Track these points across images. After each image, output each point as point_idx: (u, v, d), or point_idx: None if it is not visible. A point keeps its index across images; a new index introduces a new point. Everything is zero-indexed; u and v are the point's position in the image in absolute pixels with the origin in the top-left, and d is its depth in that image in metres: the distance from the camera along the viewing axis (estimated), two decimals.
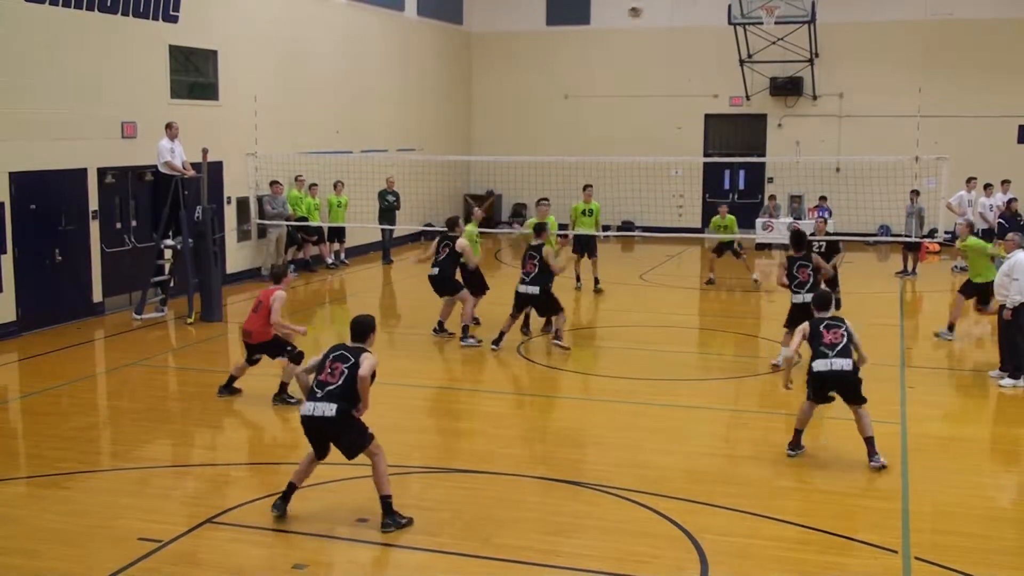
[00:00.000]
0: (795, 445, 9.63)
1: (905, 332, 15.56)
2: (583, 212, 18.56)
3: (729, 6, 25.73)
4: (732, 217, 19.43)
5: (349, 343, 8.03)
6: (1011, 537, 7.89)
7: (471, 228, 15.74)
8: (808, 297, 11.87)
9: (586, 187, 18.91)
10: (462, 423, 10.81)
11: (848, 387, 9.37)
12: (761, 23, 25.42)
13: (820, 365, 9.37)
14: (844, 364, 9.30)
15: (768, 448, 9.88)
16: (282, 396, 11.24)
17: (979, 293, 14.24)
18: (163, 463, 9.55)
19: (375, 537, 7.62)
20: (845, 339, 9.42)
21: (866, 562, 7.28)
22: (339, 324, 17.32)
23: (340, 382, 7.73)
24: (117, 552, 7.24)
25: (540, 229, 14.02)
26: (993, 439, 10.57)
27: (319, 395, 7.75)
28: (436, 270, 14.26)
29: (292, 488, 7.96)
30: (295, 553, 7.29)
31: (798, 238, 13.09)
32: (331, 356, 7.91)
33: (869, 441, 9.30)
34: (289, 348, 11.19)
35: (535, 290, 13.49)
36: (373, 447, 7.85)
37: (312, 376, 7.99)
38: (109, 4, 16.01)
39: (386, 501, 7.76)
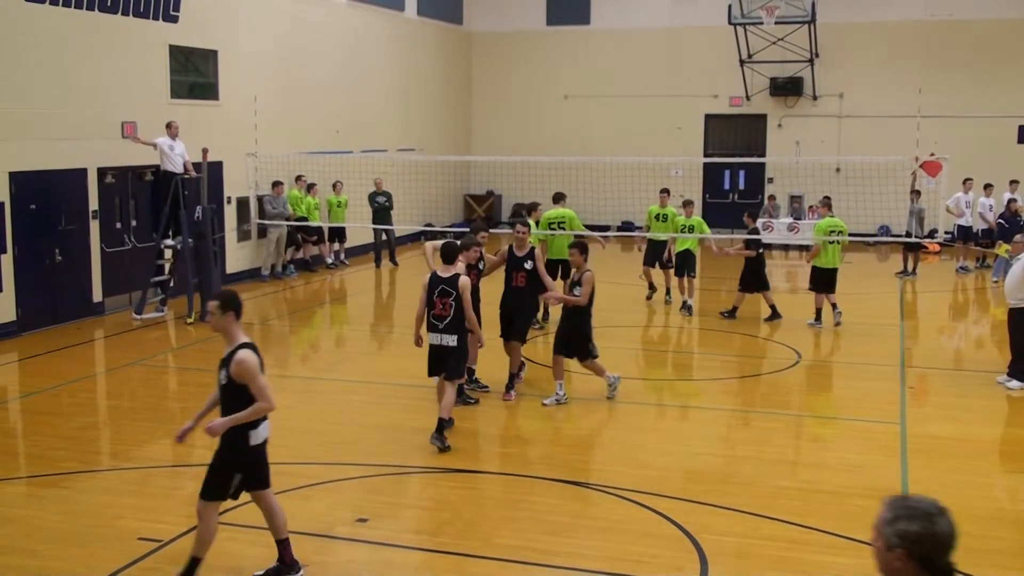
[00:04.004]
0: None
1: (905, 332, 15.56)
2: (657, 216, 17.24)
3: (729, 6, 25.75)
4: (698, 218, 17.11)
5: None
6: (1011, 537, 7.89)
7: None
8: None
9: (663, 191, 17.55)
10: (462, 423, 10.79)
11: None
12: (761, 23, 25.44)
13: None
14: None
15: (768, 448, 9.88)
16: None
17: None
18: (163, 463, 9.55)
19: (375, 537, 7.63)
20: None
21: (866, 562, 7.18)
22: (339, 324, 17.34)
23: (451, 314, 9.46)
24: (117, 552, 7.24)
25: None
26: (993, 439, 10.55)
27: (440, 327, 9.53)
28: None
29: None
30: (295, 553, 7.28)
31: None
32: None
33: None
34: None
35: None
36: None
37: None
38: (109, 4, 16.01)
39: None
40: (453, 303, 9.50)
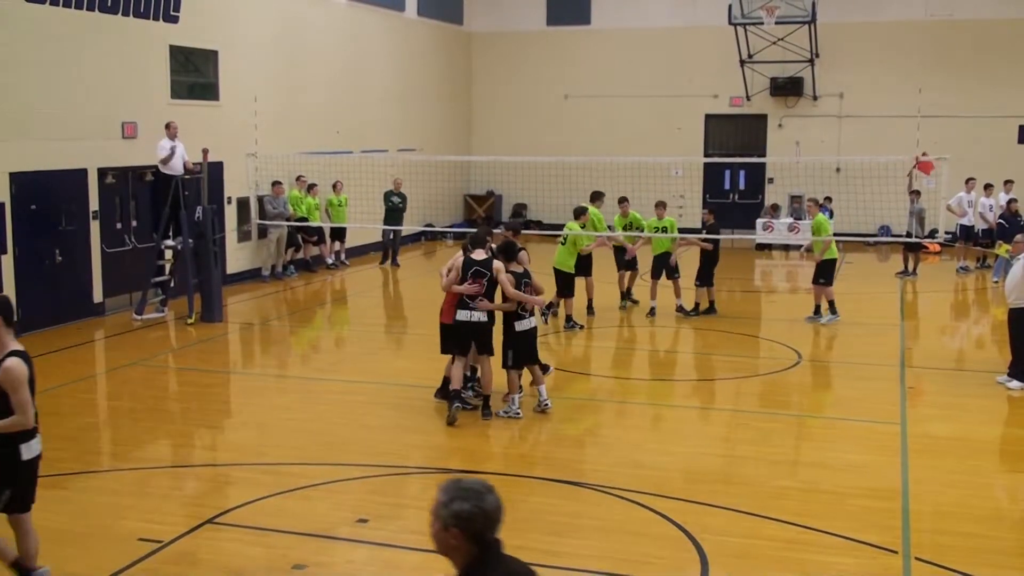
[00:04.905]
0: None
1: (905, 332, 15.56)
2: (625, 227, 16.85)
3: (729, 6, 25.74)
4: (671, 219, 16.61)
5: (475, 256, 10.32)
6: (1011, 537, 7.89)
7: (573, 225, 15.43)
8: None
9: (621, 200, 16.98)
10: (462, 423, 10.79)
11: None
12: (761, 23, 25.43)
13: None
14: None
15: (768, 448, 9.88)
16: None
17: None
18: (163, 463, 9.54)
19: (375, 537, 7.63)
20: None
21: (866, 562, 7.28)
22: (340, 325, 17.34)
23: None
24: (117, 552, 7.24)
25: None
26: (993, 439, 10.55)
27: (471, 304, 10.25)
28: None
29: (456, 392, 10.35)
30: (295, 553, 7.28)
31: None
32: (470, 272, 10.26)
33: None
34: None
35: None
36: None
37: None
38: (109, 4, 16.01)
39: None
40: (487, 283, 10.29)
